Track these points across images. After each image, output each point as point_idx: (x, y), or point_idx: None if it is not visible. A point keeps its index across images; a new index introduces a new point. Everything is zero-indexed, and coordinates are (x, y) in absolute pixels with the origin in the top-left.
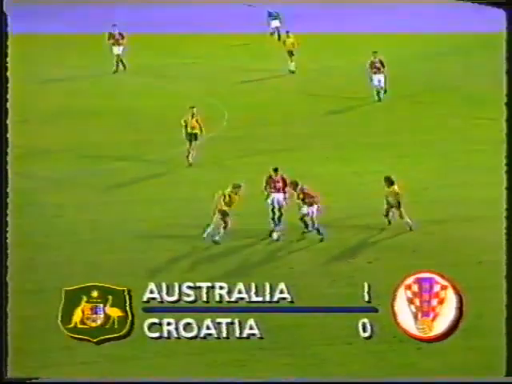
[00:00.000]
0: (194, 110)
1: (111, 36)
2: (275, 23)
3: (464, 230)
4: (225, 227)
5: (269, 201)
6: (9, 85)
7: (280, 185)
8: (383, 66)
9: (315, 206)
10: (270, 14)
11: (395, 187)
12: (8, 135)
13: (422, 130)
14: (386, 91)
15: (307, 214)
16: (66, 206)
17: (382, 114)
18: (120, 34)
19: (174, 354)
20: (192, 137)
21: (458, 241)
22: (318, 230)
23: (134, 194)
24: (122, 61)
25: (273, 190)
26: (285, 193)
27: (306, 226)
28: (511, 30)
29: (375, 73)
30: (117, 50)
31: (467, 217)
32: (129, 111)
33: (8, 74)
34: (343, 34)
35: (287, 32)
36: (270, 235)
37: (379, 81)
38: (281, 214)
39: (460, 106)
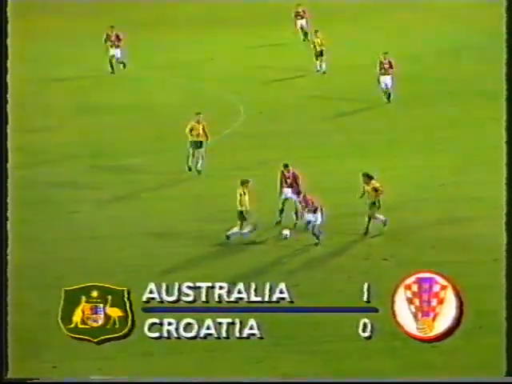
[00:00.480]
0: (201, 116)
1: (108, 37)
2: (301, 22)
3: (481, 226)
4: (241, 227)
5: (282, 196)
6: (8, 82)
7: (291, 181)
8: (391, 68)
9: (319, 214)
10: (296, 14)
11: (374, 182)
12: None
13: (438, 127)
14: (389, 95)
15: (310, 222)
16: (83, 202)
17: (399, 112)
18: (117, 35)
19: (188, 351)
20: (197, 144)
21: (474, 237)
22: (316, 236)
23: (150, 190)
24: (123, 63)
25: (285, 185)
26: (296, 187)
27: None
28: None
29: (383, 74)
30: (112, 51)
31: (484, 214)
32: (144, 108)
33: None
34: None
35: (316, 31)
36: (280, 233)
37: (386, 84)
38: (296, 210)
39: (477, 102)
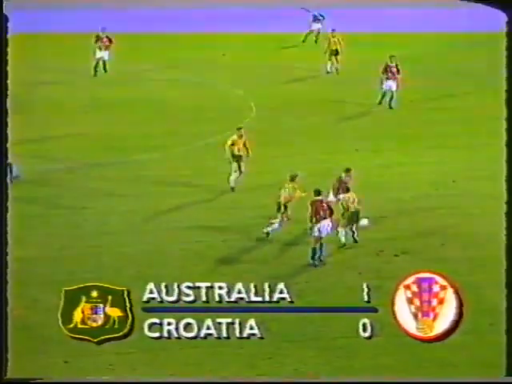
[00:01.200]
0: (242, 131)
1: (99, 39)
2: (316, 25)
3: (492, 223)
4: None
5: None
6: (8, 81)
7: (347, 185)
8: (398, 72)
9: (327, 222)
10: (314, 17)
11: (347, 195)
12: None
13: (450, 123)
14: (391, 98)
15: (315, 232)
16: (95, 197)
17: (410, 109)
18: (108, 37)
19: (197, 346)
20: (238, 159)
21: (485, 234)
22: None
23: (161, 186)
24: (105, 65)
25: (341, 192)
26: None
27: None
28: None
29: (388, 78)
30: (101, 53)
31: (495, 210)
32: (156, 103)
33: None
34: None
35: (333, 30)
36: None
37: (390, 86)
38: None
39: (487, 98)
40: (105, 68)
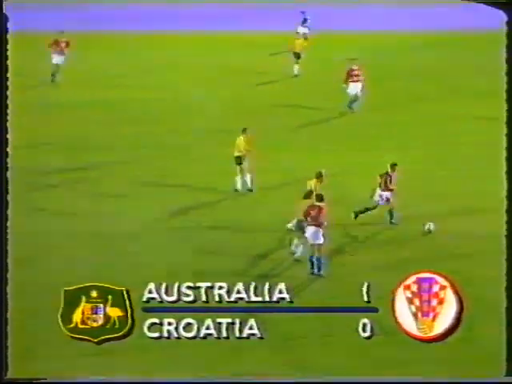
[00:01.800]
0: (247, 131)
1: (56, 43)
2: (303, 29)
3: (475, 222)
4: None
5: (375, 198)
6: (9, 82)
7: (392, 182)
8: (360, 75)
9: (314, 230)
10: (304, 20)
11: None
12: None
13: (442, 122)
14: (353, 103)
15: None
16: (95, 197)
17: (402, 107)
18: (66, 42)
19: (195, 346)
20: (237, 160)
21: (468, 234)
22: (318, 265)
23: (149, 185)
24: (56, 72)
25: (384, 188)
26: (391, 190)
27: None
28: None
29: (354, 81)
30: (58, 58)
31: (479, 209)
32: (126, 104)
33: (8, 74)
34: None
35: (297, 33)
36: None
37: (356, 91)
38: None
39: (468, 98)
40: (55, 75)
